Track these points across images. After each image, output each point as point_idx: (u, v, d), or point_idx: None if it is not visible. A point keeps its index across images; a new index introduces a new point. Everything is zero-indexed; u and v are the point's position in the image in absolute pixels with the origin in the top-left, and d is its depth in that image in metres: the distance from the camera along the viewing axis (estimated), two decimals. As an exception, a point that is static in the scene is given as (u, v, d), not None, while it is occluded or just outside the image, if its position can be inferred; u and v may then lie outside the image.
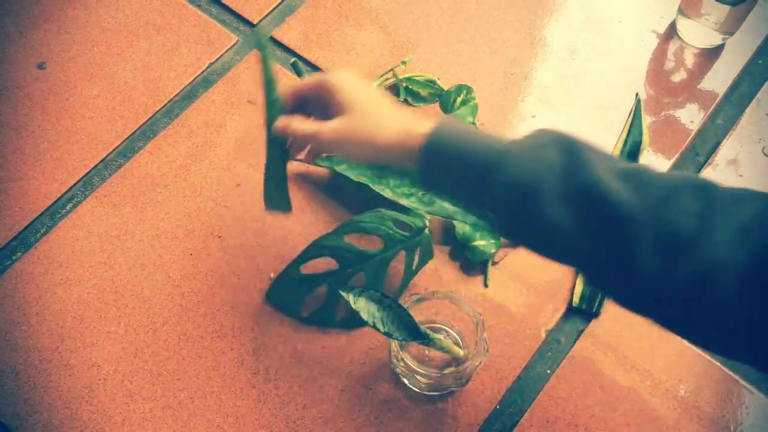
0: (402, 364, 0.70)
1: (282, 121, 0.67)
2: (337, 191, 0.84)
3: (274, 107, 0.67)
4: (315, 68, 0.92)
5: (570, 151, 0.54)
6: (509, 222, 0.56)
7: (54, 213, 0.83)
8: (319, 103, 0.66)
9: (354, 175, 0.80)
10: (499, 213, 0.56)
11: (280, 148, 0.69)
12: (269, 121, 0.67)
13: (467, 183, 0.58)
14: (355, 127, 0.62)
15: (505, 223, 0.57)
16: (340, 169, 0.81)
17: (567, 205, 0.52)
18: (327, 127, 0.63)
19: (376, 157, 0.64)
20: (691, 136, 0.87)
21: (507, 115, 0.88)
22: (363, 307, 0.64)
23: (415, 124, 0.61)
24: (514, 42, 0.92)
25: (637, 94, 0.88)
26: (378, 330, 0.63)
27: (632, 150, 0.85)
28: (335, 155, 0.80)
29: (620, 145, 0.85)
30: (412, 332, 0.65)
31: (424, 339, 0.66)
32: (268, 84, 0.67)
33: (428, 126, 0.59)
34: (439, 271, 0.80)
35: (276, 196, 0.73)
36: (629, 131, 0.86)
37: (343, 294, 0.64)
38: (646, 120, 0.87)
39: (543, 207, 0.53)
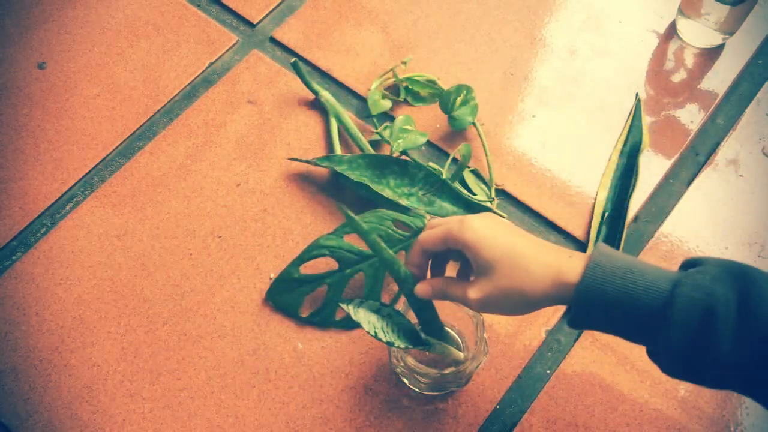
0: (402, 364, 0.70)
1: (424, 289, 0.64)
2: (337, 191, 0.84)
3: (395, 267, 0.64)
4: (315, 68, 0.92)
5: (744, 286, 0.51)
6: (677, 360, 0.53)
7: (54, 213, 0.83)
8: (451, 250, 0.62)
9: (354, 176, 0.80)
10: (665, 352, 0.54)
11: (427, 306, 0.66)
12: (400, 283, 0.65)
13: (629, 325, 0.55)
14: (503, 288, 0.58)
15: (671, 360, 0.54)
16: (341, 169, 0.81)
17: (743, 343, 0.50)
18: (475, 294, 0.59)
19: (530, 310, 0.59)
20: (691, 136, 0.87)
21: (507, 115, 0.88)
22: (363, 317, 0.64)
23: (565, 265, 0.57)
24: (514, 42, 0.92)
25: (637, 94, 0.88)
26: (380, 340, 0.64)
27: (632, 150, 0.85)
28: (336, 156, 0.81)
29: (620, 146, 0.85)
30: (413, 339, 0.66)
31: (425, 346, 0.66)
32: (376, 245, 0.65)
33: (579, 268, 0.56)
34: (439, 271, 0.80)
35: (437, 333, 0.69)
36: (629, 131, 0.86)
37: (343, 306, 0.64)
38: (646, 120, 0.87)
39: (717, 345, 0.50)
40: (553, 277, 0.57)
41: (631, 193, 0.82)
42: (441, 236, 0.61)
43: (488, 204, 0.81)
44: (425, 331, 0.68)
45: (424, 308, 0.66)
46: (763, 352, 0.50)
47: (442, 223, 0.62)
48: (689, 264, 0.56)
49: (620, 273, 0.55)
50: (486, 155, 0.84)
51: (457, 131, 0.87)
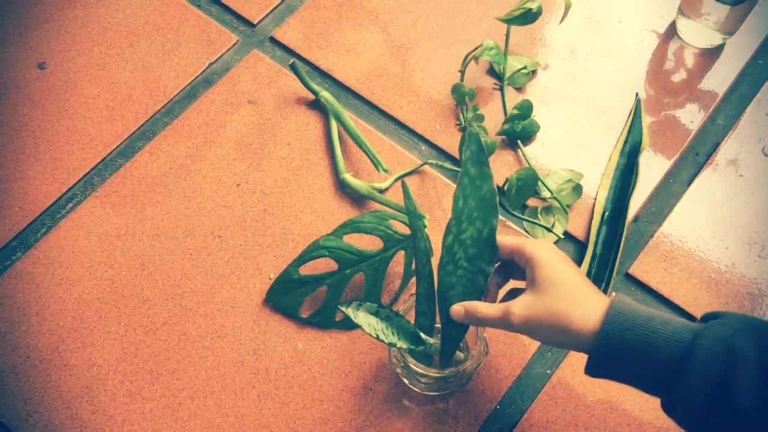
0: (402, 364, 0.70)
1: (464, 308, 0.64)
2: (337, 191, 0.84)
3: (427, 281, 0.65)
4: (315, 68, 0.92)
5: (766, 341, 0.51)
6: (694, 412, 0.53)
7: (54, 213, 0.83)
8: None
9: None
10: (683, 404, 0.53)
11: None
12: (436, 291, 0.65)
13: (648, 375, 0.55)
14: (553, 310, 0.58)
15: (688, 413, 0.53)
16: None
17: (764, 398, 0.50)
18: (514, 308, 0.59)
19: (561, 344, 0.59)
20: (691, 136, 0.87)
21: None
22: (363, 320, 0.64)
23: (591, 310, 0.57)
24: (513, 42, 0.92)
25: (637, 94, 0.88)
26: (382, 341, 0.64)
27: (632, 150, 0.85)
28: None
29: (620, 146, 0.85)
30: (414, 339, 0.66)
31: (425, 345, 0.66)
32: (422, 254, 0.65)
33: (599, 313, 0.56)
34: (439, 271, 0.80)
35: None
36: (629, 131, 0.86)
37: (342, 309, 0.64)
38: (646, 120, 0.87)
39: (736, 399, 0.50)
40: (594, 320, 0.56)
41: (631, 193, 0.82)
42: (512, 244, 0.62)
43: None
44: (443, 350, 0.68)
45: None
46: None
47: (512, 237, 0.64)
48: (709, 317, 0.56)
49: (641, 321, 0.55)
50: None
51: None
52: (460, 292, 0.64)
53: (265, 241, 0.82)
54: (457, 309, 0.64)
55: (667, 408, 0.55)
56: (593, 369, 0.57)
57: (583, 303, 0.57)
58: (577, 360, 0.75)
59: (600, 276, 0.78)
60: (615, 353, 0.55)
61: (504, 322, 0.61)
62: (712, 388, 0.51)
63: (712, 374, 0.51)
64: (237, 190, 0.84)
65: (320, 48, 0.94)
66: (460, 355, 0.70)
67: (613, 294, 0.58)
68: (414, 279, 0.77)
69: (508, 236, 0.64)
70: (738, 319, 0.54)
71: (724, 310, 0.55)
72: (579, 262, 0.80)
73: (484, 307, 0.62)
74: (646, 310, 0.56)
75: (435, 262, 0.67)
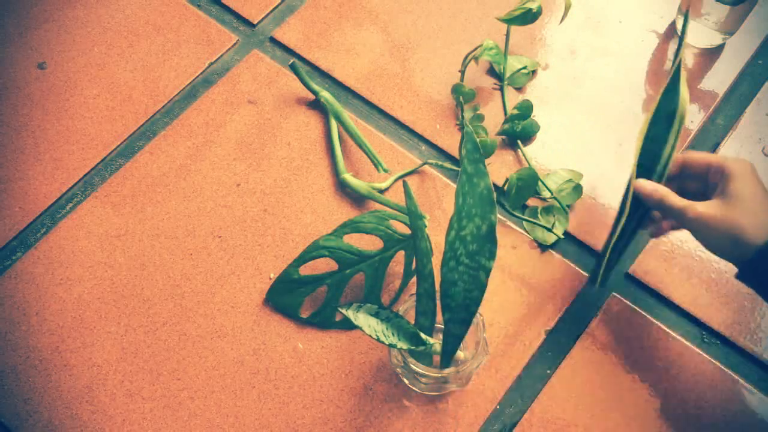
0: (402, 364, 0.70)
1: (652, 186, 0.67)
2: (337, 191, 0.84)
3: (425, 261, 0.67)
4: (315, 68, 0.92)
5: None
6: None
7: (54, 213, 0.83)
8: (696, 179, 0.69)
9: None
10: None
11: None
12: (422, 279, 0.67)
13: None
14: (730, 216, 0.63)
15: None
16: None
17: None
18: (699, 206, 0.64)
19: (728, 252, 0.64)
20: (691, 136, 0.87)
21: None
22: (363, 322, 0.64)
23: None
24: (513, 42, 0.92)
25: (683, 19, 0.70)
26: (382, 342, 0.64)
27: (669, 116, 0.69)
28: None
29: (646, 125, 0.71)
30: (414, 340, 0.66)
31: (426, 346, 0.66)
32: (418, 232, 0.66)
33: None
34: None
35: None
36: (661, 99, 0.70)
37: (342, 311, 0.64)
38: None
39: None
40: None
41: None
42: (708, 156, 0.67)
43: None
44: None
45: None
46: None
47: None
48: None
49: None
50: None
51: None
52: (462, 288, 0.65)
53: (265, 241, 0.82)
54: (649, 185, 0.67)
55: None
56: (746, 276, 0.63)
57: (761, 221, 0.62)
58: (578, 360, 0.75)
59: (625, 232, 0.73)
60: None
61: (683, 214, 0.64)
62: None
63: None
64: (237, 190, 0.84)
65: (320, 48, 0.94)
66: (460, 354, 0.70)
67: None
68: (414, 279, 0.77)
69: (703, 152, 0.68)
70: None
71: None
72: (589, 263, 0.80)
73: (672, 195, 0.66)
74: None
75: (435, 261, 0.67)
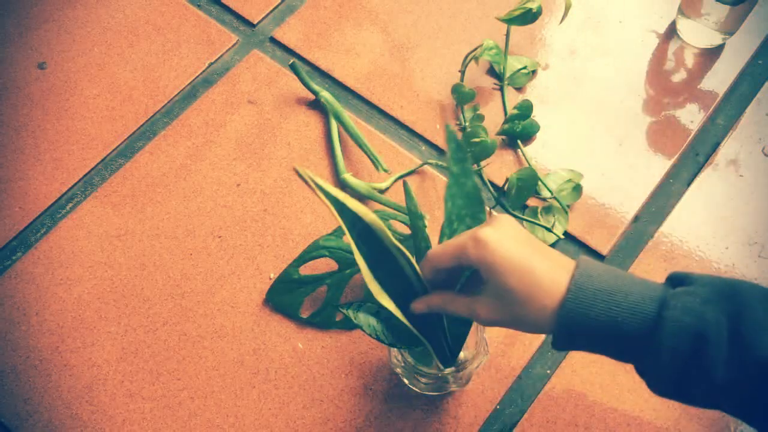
0: (402, 364, 0.70)
1: (423, 304, 0.61)
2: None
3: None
4: (315, 68, 0.92)
5: (735, 307, 0.49)
6: (666, 381, 0.52)
7: (54, 213, 0.84)
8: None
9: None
10: (654, 374, 0.52)
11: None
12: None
13: (615, 348, 0.53)
14: (516, 315, 0.55)
15: (659, 381, 0.53)
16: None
17: (735, 368, 0.48)
18: (480, 310, 0.57)
19: (535, 330, 0.56)
20: (691, 136, 0.87)
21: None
22: (363, 321, 0.64)
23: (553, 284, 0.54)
24: (513, 42, 0.92)
25: None
26: (382, 342, 0.64)
27: None
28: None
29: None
30: (413, 340, 0.66)
31: (425, 346, 0.66)
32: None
33: (562, 289, 0.54)
34: (439, 271, 0.80)
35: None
36: None
37: (342, 311, 0.64)
38: (646, 120, 0.87)
39: (709, 371, 0.49)
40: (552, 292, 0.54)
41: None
42: (453, 254, 0.57)
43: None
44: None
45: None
46: (756, 377, 0.48)
47: (454, 240, 0.58)
48: (675, 279, 0.54)
49: (603, 296, 0.52)
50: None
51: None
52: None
53: (265, 241, 0.82)
54: (420, 305, 0.61)
55: (640, 373, 0.54)
56: (558, 344, 0.55)
57: (542, 293, 0.54)
58: (578, 360, 0.75)
59: None
60: (579, 330, 0.53)
61: (473, 317, 0.58)
62: (685, 363, 0.50)
63: (683, 348, 0.49)
64: (237, 190, 0.84)
65: (320, 48, 0.94)
66: (460, 354, 0.70)
67: (575, 263, 0.55)
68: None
69: (441, 247, 0.58)
70: (705, 285, 0.51)
71: (692, 272, 0.53)
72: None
73: (449, 302, 0.60)
74: (609, 279, 0.53)
75: None
